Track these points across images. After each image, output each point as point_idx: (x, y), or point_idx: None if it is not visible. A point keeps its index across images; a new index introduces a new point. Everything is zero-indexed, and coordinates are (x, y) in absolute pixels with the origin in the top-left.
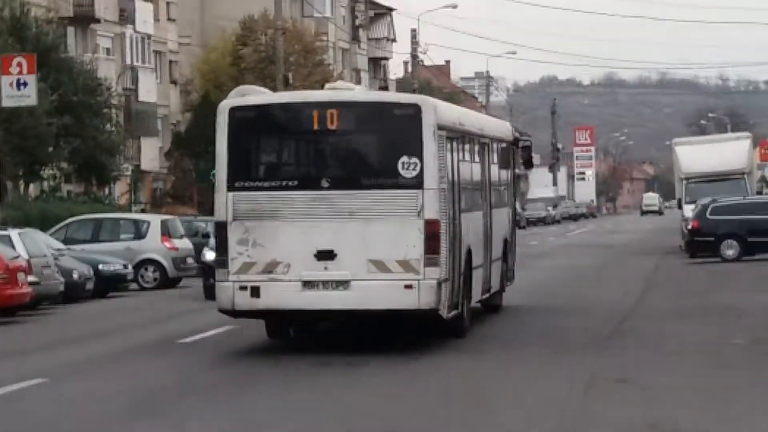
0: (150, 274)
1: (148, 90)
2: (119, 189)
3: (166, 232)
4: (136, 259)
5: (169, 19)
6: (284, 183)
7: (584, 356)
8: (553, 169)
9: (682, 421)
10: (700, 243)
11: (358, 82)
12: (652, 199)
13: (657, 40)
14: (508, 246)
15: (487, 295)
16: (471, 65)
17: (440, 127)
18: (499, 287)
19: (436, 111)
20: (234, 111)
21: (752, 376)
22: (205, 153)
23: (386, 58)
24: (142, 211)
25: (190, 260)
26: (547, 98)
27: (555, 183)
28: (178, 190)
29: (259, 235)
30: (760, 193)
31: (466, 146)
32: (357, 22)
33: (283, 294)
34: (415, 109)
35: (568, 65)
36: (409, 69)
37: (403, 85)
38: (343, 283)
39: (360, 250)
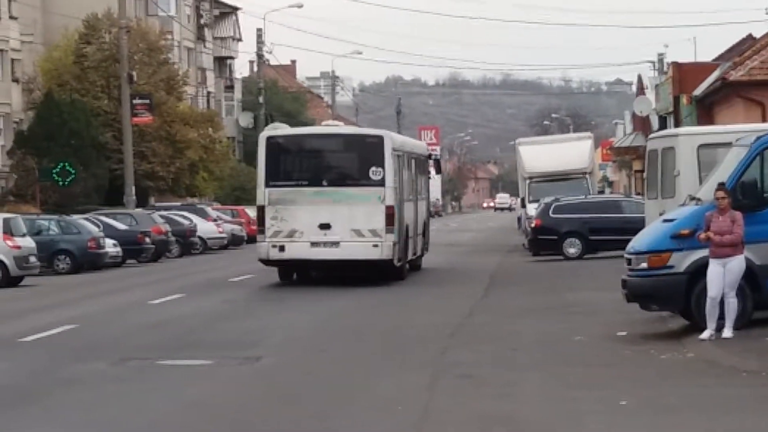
0: None
1: None
2: None
3: (8, 231)
4: None
5: (11, 17)
6: (299, 182)
7: (427, 352)
8: None
9: (522, 415)
10: (543, 241)
11: (203, 81)
12: (503, 198)
13: (501, 41)
14: (426, 226)
15: (414, 256)
16: (317, 65)
17: (393, 149)
18: (421, 252)
19: (392, 139)
20: (269, 138)
21: (591, 372)
22: (48, 152)
23: (232, 58)
24: None
25: (33, 259)
26: (392, 98)
27: None
28: (20, 189)
29: (284, 214)
30: (601, 192)
31: (404, 161)
32: (202, 21)
33: (299, 250)
34: (380, 138)
35: (413, 65)
36: (255, 68)
37: (248, 85)
38: (335, 243)
39: (346, 223)
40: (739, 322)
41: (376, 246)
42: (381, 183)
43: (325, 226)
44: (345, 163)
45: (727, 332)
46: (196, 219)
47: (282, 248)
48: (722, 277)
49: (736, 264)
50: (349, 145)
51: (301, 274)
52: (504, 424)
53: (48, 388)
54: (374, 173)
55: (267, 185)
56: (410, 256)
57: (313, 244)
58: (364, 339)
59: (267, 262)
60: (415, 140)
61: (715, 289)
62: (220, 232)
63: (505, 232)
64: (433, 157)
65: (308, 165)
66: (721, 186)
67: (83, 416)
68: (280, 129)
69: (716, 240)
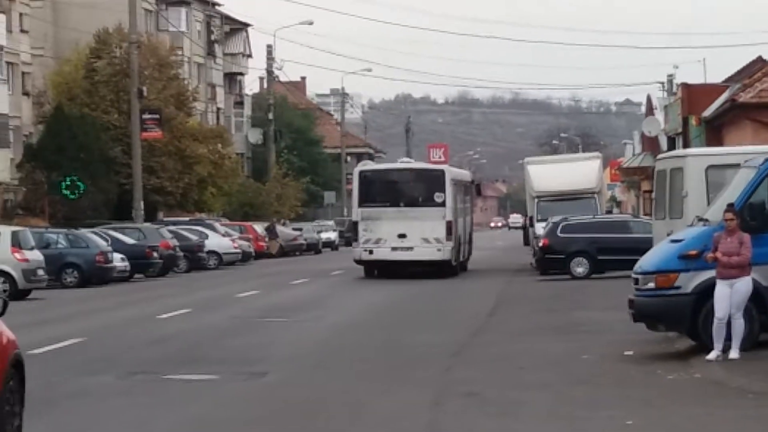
0: None
1: (0, 101)
2: None
3: (17, 244)
4: None
5: (22, 30)
6: (383, 204)
7: (434, 369)
8: None
9: None
10: (551, 260)
11: (213, 97)
12: (516, 218)
13: (510, 60)
14: (470, 236)
15: (463, 258)
16: (327, 82)
17: (451, 179)
18: (467, 256)
19: (450, 172)
20: (361, 172)
21: (598, 391)
22: (57, 165)
23: (242, 74)
24: None
25: (40, 272)
26: (401, 116)
27: None
28: (29, 202)
29: (372, 227)
30: (609, 212)
31: (458, 186)
32: (212, 37)
33: (383, 253)
34: (442, 172)
35: (422, 83)
36: (265, 85)
37: (258, 101)
38: (410, 248)
39: (417, 233)
40: (746, 344)
41: (439, 250)
42: (443, 204)
43: (402, 236)
44: (416, 190)
45: (734, 353)
46: (210, 234)
47: (371, 252)
48: (729, 298)
49: (743, 285)
50: (419, 176)
51: (381, 271)
52: None
53: (55, 400)
54: (437, 197)
55: (360, 206)
56: (461, 258)
57: (393, 248)
58: (370, 355)
59: (360, 262)
60: (462, 170)
61: (722, 311)
62: (236, 248)
63: (514, 251)
64: (474, 182)
65: (390, 191)
66: (729, 207)
67: (88, 429)
68: (369, 164)
69: (723, 261)
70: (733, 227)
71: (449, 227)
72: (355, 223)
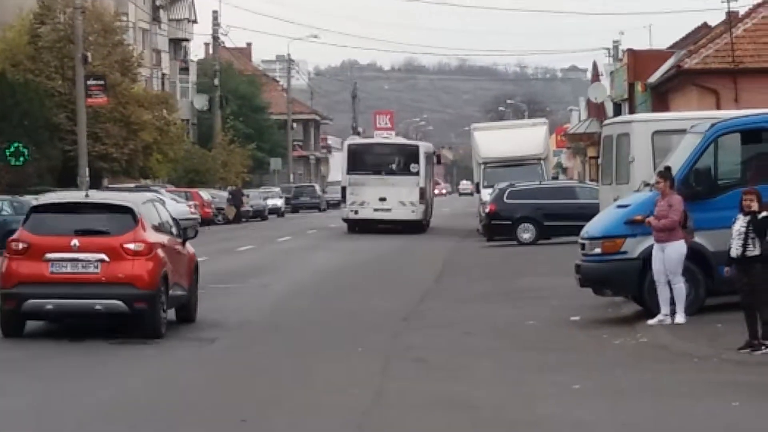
0: None
1: None
2: None
3: None
4: None
5: None
6: (368, 172)
7: (383, 335)
8: None
9: (474, 398)
10: (498, 226)
11: (158, 63)
12: (466, 184)
13: (457, 26)
14: (432, 200)
15: (429, 218)
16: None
17: (423, 152)
18: (431, 216)
19: (423, 146)
20: (350, 145)
21: (544, 356)
22: (0, 132)
23: (187, 40)
24: None
25: None
26: (348, 82)
27: None
28: None
29: (358, 191)
30: (555, 178)
31: (428, 158)
32: (157, 2)
33: (367, 213)
34: (417, 147)
35: (369, 50)
36: (210, 51)
37: (204, 67)
38: (389, 210)
39: (395, 197)
40: (692, 308)
41: (413, 212)
42: (417, 173)
43: (382, 199)
44: (395, 161)
45: (679, 317)
46: (168, 200)
47: (356, 212)
48: (663, 261)
49: (673, 250)
50: (398, 150)
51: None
52: (456, 406)
53: (14, 360)
54: (413, 168)
55: (348, 173)
56: (428, 218)
57: (375, 209)
58: (318, 322)
59: (347, 220)
60: (428, 143)
61: (655, 274)
62: (192, 213)
63: (461, 217)
64: (435, 153)
65: (373, 161)
66: (662, 170)
67: (42, 393)
68: (356, 139)
69: (654, 224)
70: (661, 189)
71: (422, 193)
72: (344, 188)
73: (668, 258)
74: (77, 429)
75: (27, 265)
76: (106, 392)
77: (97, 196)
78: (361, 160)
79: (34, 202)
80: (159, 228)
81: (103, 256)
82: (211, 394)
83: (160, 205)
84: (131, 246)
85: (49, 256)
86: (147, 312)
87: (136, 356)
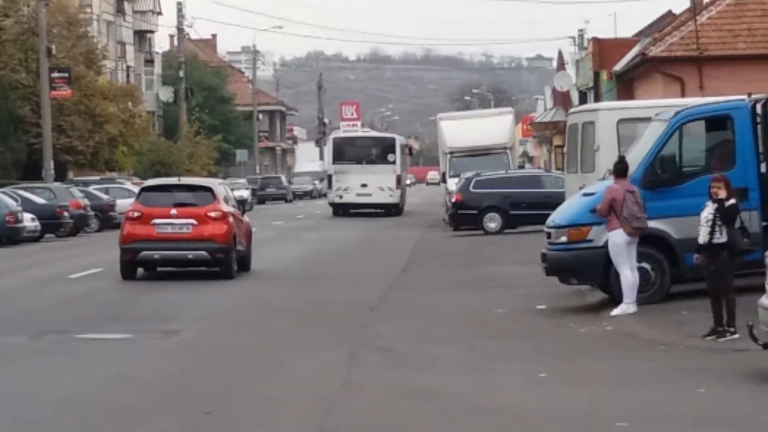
0: None
1: None
2: None
3: None
4: None
5: None
6: (351, 162)
7: (351, 325)
8: (319, 143)
9: (440, 386)
10: (464, 216)
11: (123, 55)
12: (433, 174)
13: (422, 16)
14: (405, 188)
15: (404, 202)
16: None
17: (399, 144)
18: (404, 203)
19: (398, 139)
20: (334, 138)
21: (511, 345)
22: None
23: (152, 31)
24: None
25: None
26: (313, 73)
27: (321, 157)
28: None
29: (342, 179)
30: (521, 167)
31: (403, 149)
32: None
33: (350, 197)
34: (394, 139)
35: (334, 40)
36: (176, 42)
37: (169, 59)
38: (369, 195)
39: (375, 184)
40: (657, 296)
41: (391, 196)
42: (394, 162)
43: (364, 185)
44: (375, 152)
45: (623, 307)
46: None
47: (341, 197)
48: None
49: (610, 240)
50: (377, 142)
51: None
52: (422, 394)
53: None
54: (390, 157)
55: (333, 163)
56: (403, 203)
57: (358, 194)
58: (285, 312)
59: (332, 204)
60: (401, 136)
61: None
62: None
63: (428, 206)
64: (409, 144)
65: (355, 152)
66: (616, 159)
67: (2, 389)
68: (340, 133)
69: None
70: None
71: (398, 179)
72: (330, 176)
73: (609, 246)
74: (38, 425)
75: (140, 228)
76: (68, 387)
77: (186, 180)
78: (345, 152)
79: None
80: (228, 202)
81: (192, 221)
82: (175, 386)
83: (227, 187)
84: (212, 214)
85: (155, 221)
86: (223, 260)
87: (100, 349)
